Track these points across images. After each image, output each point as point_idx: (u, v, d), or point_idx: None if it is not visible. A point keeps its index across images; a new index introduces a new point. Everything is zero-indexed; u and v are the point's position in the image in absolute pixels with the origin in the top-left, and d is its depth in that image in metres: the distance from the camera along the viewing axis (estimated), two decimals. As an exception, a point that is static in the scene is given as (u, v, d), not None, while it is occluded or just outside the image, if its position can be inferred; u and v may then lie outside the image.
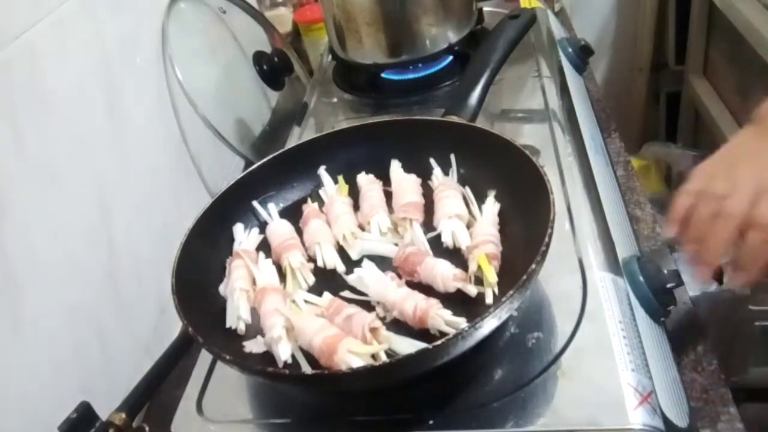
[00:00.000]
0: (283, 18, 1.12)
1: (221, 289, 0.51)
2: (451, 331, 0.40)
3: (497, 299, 0.44)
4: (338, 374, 0.40)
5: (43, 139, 0.55)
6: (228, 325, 0.48)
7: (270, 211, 0.57)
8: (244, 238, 0.55)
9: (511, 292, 0.39)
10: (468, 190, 0.54)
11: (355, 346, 0.41)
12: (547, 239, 0.41)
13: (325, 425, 0.45)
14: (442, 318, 0.42)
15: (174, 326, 0.70)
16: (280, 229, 0.55)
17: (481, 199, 0.53)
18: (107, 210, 0.63)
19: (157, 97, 0.75)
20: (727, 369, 1.18)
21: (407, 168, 0.58)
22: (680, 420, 0.42)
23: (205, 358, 0.51)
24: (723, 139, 1.18)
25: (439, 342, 0.37)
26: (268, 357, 0.45)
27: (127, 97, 0.68)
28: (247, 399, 0.47)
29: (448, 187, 0.54)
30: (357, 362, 0.40)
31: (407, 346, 0.42)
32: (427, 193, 0.56)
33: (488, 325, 0.39)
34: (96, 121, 0.63)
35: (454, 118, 0.58)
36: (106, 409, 0.44)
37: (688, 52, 1.36)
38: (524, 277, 0.39)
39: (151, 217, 0.70)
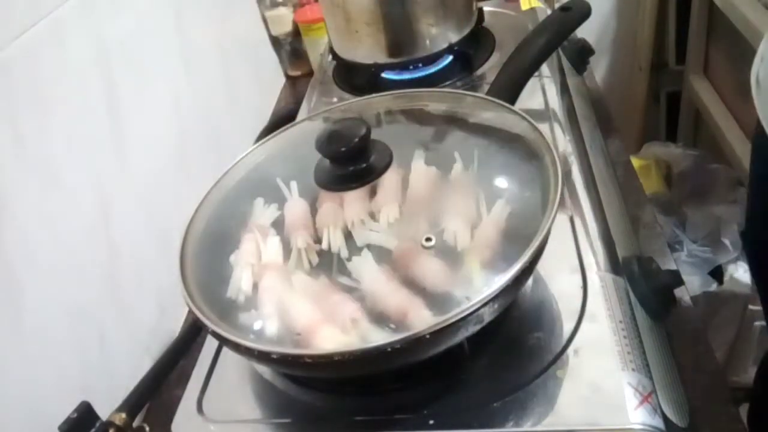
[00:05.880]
0: (283, 18, 1.12)
1: (232, 258, 0.51)
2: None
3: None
4: (301, 359, 0.40)
5: (43, 139, 0.55)
6: (228, 294, 0.48)
7: (291, 188, 0.57)
8: (263, 211, 0.55)
9: (476, 305, 0.39)
10: (481, 190, 0.54)
11: (332, 334, 0.42)
12: (521, 266, 0.40)
13: (325, 425, 0.45)
14: (420, 320, 0.42)
15: (174, 326, 0.70)
16: (294, 208, 0.55)
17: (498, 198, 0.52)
18: (107, 210, 0.63)
19: (158, 97, 0.75)
20: (727, 369, 1.19)
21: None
22: (680, 420, 0.42)
23: (205, 357, 0.51)
24: (723, 139, 1.19)
25: (399, 338, 0.38)
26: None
27: (127, 97, 0.68)
28: (247, 399, 0.48)
29: (461, 185, 0.54)
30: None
31: (382, 341, 0.42)
32: (445, 181, 0.55)
33: (452, 336, 0.39)
34: (96, 121, 0.63)
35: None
36: (106, 409, 0.44)
37: (688, 52, 1.36)
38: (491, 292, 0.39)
39: (152, 218, 0.70)
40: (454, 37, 0.79)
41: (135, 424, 0.45)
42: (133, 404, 0.46)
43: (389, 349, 0.38)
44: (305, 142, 0.50)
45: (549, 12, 0.90)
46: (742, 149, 1.14)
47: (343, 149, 0.48)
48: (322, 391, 0.47)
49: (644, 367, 0.42)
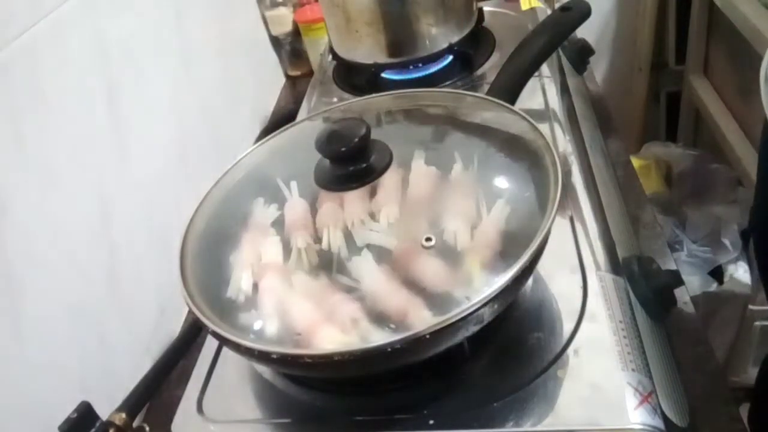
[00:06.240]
0: (283, 18, 1.12)
1: (232, 258, 0.51)
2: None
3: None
4: (301, 359, 0.40)
5: (43, 139, 0.55)
6: (228, 294, 0.48)
7: (291, 188, 0.57)
8: (263, 211, 0.55)
9: (474, 306, 0.39)
10: (481, 190, 0.54)
11: (332, 335, 0.42)
12: (521, 266, 0.40)
13: (325, 425, 0.45)
14: (420, 320, 0.42)
15: (174, 326, 0.70)
16: (294, 208, 0.55)
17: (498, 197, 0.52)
18: (107, 210, 0.63)
19: (158, 97, 0.75)
20: (727, 369, 1.19)
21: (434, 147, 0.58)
22: (680, 420, 0.42)
23: (205, 357, 0.51)
24: (723, 139, 1.19)
25: (399, 338, 0.38)
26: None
27: (128, 97, 0.68)
28: (247, 399, 0.48)
29: (461, 185, 0.54)
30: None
31: (382, 341, 0.42)
32: (445, 181, 0.55)
33: (452, 336, 0.39)
34: (96, 121, 0.63)
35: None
36: (106, 409, 0.44)
37: (688, 52, 1.36)
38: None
39: (152, 218, 0.70)
40: (454, 37, 0.79)
41: (135, 424, 0.45)
42: (133, 404, 0.46)
43: (389, 349, 0.38)
44: (305, 142, 0.50)
45: (549, 12, 0.90)
46: (742, 149, 1.14)
47: (343, 149, 0.48)
48: (322, 391, 0.47)
49: (644, 367, 0.42)
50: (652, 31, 1.40)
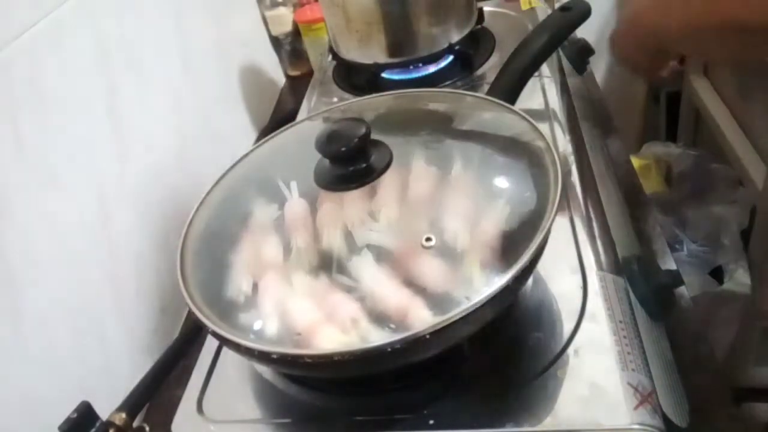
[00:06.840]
0: (283, 18, 1.12)
1: (232, 258, 0.51)
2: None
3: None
4: (301, 359, 0.41)
5: (43, 139, 0.55)
6: (228, 294, 0.48)
7: (291, 188, 0.57)
8: (263, 211, 0.55)
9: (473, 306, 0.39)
10: (481, 190, 0.54)
11: (332, 335, 0.42)
12: (521, 266, 0.40)
13: (325, 425, 0.45)
14: (420, 320, 0.42)
15: (174, 326, 0.70)
16: (294, 208, 0.55)
17: (498, 197, 0.52)
18: (107, 210, 0.63)
19: (158, 97, 0.75)
20: (727, 369, 1.19)
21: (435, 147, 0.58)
22: (680, 420, 0.42)
23: (205, 357, 0.51)
24: (723, 139, 1.19)
25: (399, 338, 0.38)
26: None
27: (127, 96, 0.68)
28: (248, 399, 0.48)
29: (461, 185, 0.54)
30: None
31: (382, 341, 0.42)
32: (445, 181, 0.55)
33: (452, 336, 0.40)
34: (96, 121, 0.63)
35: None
36: (106, 409, 0.44)
37: (689, 52, 1.36)
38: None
39: (152, 218, 0.70)
40: (454, 37, 0.79)
41: (135, 424, 0.45)
42: (133, 404, 0.46)
43: (389, 349, 0.38)
44: (305, 142, 0.50)
45: (549, 12, 0.90)
46: (742, 149, 1.14)
47: (343, 149, 0.48)
48: (322, 391, 0.47)
49: (644, 367, 0.42)
50: (652, 31, 1.39)
